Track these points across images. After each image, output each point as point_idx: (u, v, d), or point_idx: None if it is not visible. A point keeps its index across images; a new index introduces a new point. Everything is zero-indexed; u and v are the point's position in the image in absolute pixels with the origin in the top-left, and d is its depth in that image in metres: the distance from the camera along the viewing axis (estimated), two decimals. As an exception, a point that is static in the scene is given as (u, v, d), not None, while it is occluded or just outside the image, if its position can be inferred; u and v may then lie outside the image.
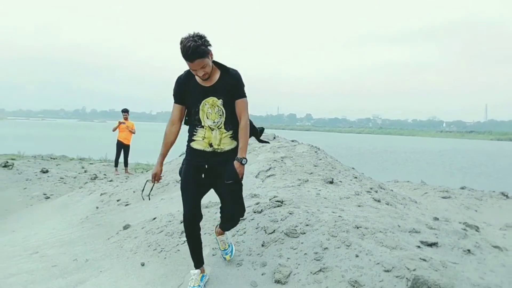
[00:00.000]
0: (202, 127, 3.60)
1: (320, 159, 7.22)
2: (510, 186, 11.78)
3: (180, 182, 3.78)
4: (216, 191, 3.80)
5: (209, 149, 3.61)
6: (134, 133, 14.30)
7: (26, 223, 7.37)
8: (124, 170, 14.32)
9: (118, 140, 14.24)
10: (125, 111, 14.24)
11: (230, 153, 3.65)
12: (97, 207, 7.21)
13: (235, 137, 3.67)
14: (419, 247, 4.25)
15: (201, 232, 3.83)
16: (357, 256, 3.94)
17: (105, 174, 14.08)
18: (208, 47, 3.35)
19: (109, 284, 4.13)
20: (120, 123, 14.12)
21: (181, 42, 3.29)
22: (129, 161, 14.67)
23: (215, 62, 3.54)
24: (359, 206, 5.16)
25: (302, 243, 4.17)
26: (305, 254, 4.03)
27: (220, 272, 4.03)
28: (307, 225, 4.39)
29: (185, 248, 4.50)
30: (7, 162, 13.44)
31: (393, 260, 3.88)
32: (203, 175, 3.69)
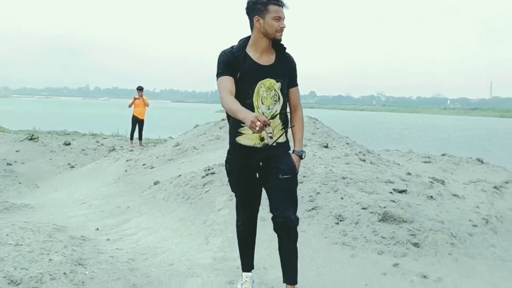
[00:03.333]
0: None
1: (318, 128, 8.37)
2: (489, 154, 12.90)
3: (230, 184, 3.30)
4: (265, 186, 3.15)
5: (260, 144, 3.00)
6: (148, 105, 15.40)
7: (65, 184, 8.59)
8: (139, 143, 15.47)
9: (133, 115, 15.35)
10: (140, 88, 15.31)
11: (283, 147, 3.11)
12: (125, 170, 8.41)
13: (285, 129, 3.11)
14: (391, 193, 5.42)
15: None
16: (342, 198, 5.11)
17: (121, 147, 15.26)
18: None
19: (150, 222, 5.33)
20: (135, 99, 15.21)
21: (248, 3, 2.96)
22: (143, 135, 15.81)
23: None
24: (347, 163, 6.32)
25: (300, 189, 5.33)
26: (302, 197, 5.18)
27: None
28: (304, 176, 5.54)
29: (207, 196, 5.68)
30: (33, 135, 14.64)
31: (369, 201, 5.05)
32: (257, 175, 3.16)
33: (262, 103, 2.98)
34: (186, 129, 13.51)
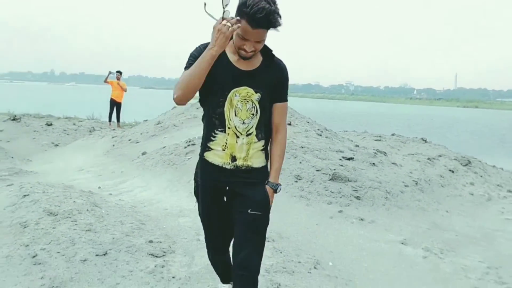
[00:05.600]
0: (223, 130, 2.45)
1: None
2: (444, 140, 14.39)
3: (198, 209, 2.71)
4: (233, 221, 2.60)
5: (229, 165, 2.48)
6: (125, 91, 16.31)
7: (57, 158, 9.53)
8: (117, 124, 16.37)
9: (111, 98, 16.24)
10: (118, 72, 16.21)
11: (258, 173, 2.56)
12: (113, 145, 9.43)
13: (265, 151, 2.58)
14: (340, 159, 6.66)
15: None
16: (300, 162, 6.32)
17: (100, 127, 16.13)
18: (280, 19, 2.30)
19: (142, 182, 6.43)
20: (109, 73, 15.99)
21: (240, 5, 2.29)
22: (120, 117, 16.72)
23: None
24: (306, 137, 7.52)
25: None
26: (268, 162, 6.37)
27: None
28: (270, 146, 6.72)
29: (190, 162, 6.79)
30: (16, 116, 15.36)
31: (322, 164, 6.28)
32: (224, 198, 2.64)
33: (236, 115, 2.42)
34: (159, 113, 14.53)
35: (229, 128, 2.44)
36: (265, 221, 2.56)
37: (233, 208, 2.56)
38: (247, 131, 2.47)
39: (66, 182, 6.45)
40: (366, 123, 30.32)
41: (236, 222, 2.56)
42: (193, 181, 2.70)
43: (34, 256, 3.55)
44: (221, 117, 2.44)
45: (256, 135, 2.49)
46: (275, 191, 2.58)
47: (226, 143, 2.45)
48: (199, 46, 2.47)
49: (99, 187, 6.22)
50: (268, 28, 2.29)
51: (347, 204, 5.72)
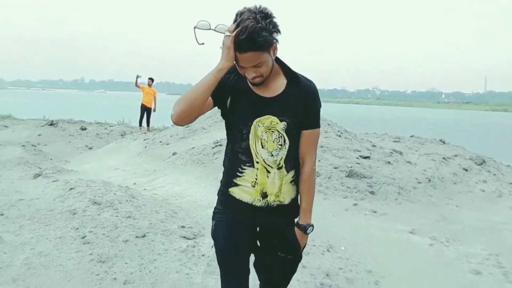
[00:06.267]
0: (252, 165, 2.17)
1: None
2: (466, 142, 14.62)
3: (216, 252, 2.32)
4: (257, 262, 2.40)
5: (260, 202, 2.19)
6: (155, 97, 17.06)
7: (93, 159, 10.23)
8: (147, 129, 17.10)
9: (142, 104, 16.95)
10: (150, 79, 16.96)
11: (290, 210, 2.27)
12: (145, 147, 10.07)
13: (296, 182, 2.27)
14: (357, 158, 7.11)
15: None
16: (319, 160, 6.79)
17: (131, 132, 16.90)
18: (274, 34, 1.99)
19: (173, 179, 7.00)
20: (137, 76, 16.59)
21: (236, 17, 1.97)
22: (150, 122, 17.45)
23: (278, 61, 2.17)
24: (325, 137, 8.00)
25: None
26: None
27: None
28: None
29: (217, 161, 7.34)
30: (53, 121, 16.26)
31: (340, 163, 6.74)
32: (255, 240, 2.31)
33: (263, 147, 2.15)
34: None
35: (257, 162, 2.15)
36: (295, 265, 2.35)
37: (260, 250, 2.30)
38: (278, 164, 2.17)
39: (104, 179, 7.09)
40: (390, 127, 30.49)
41: (266, 267, 2.35)
42: (211, 221, 2.31)
43: (83, 237, 4.13)
44: (247, 151, 2.16)
45: (287, 168, 2.20)
46: (305, 233, 2.27)
47: (256, 179, 2.15)
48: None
49: (134, 183, 6.81)
50: (256, 50, 1.94)
51: (361, 198, 6.17)
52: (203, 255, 4.03)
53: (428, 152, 9.13)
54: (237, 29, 1.92)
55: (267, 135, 2.13)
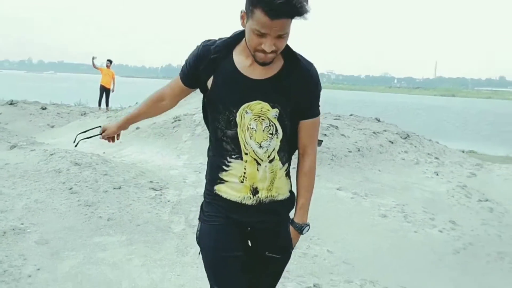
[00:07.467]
0: (239, 157, 1.92)
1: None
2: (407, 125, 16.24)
3: (203, 255, 2.05)
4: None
5: (251, 200, 1.94)
6: (114, 78, 17.74)
7: (59, 135, 10.98)
8: (106, 109, 17.78)
9: (101, 85, 17.62)
10: (109, 60, 17.63)
11: (283, 206, 2.05)
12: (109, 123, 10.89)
13: (289, 175, 2.09)
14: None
15: None
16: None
17: (91, 111, 17.54)
18: (307, 3, 1.69)
19: (138, 149, 7.97)
20: (93, 58, 17.21)
21: None
22: (109, 102, 18.14)
23: None
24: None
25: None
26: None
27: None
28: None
29: (176, 133, 8.33)
30: (13, 100, 16.69)
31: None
32: (246, 241, 2.09)
33: (251, 138, 1.89)
34: (143, 100, 16.00)
35: (246, 154, 1.90)
36: (282, 267, 2.14)
37: (250, 250, 2.07)
38: (269, 156, 1.92)
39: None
40: (343, 110, 32.11)
41: (245, 268, 2.04)
42: (198, 222, 2.09)
43: (70, 189, 5.09)
44: (235, 141, 1.90)
45: (281, 160, 1.97)
46: (301, 233, 2.07)
47: (244, 173, 1.92)
48: (203, 45, 1.94)
49: (104, 152, 7.73)
50: (292, 17, 1.70)
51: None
52: (168, 201, 5.10)
53: (363, 127, 10.44)
54: None
55: (256, 123, 1.87)
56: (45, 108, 16.47)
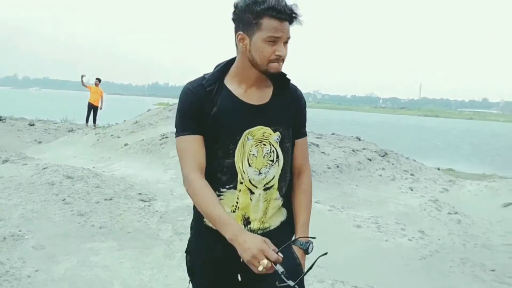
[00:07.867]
0: (233, 187, 1.85)
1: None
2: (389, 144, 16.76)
3: None
4: None
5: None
6: (102, 96, 18.06)
7: (48, 150, 11.26)
8: (93, 126, 18.07)
9: (89, 102, 17.96)
10: (98, 79, 18.01)
11: (279, 233, 1.92)
12: (97, 139, 11.22)
13: (286, 204, 1.97)
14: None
15: None
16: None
17: (78, 128, 17.80)
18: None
19: (128, 164, 8.31)
20: (82, 76, 17.64)
21: (246, 5, 1.74)
22: (97, 119, 18.44)
23: None
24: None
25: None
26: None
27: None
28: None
29: (164, 150, 8.69)
30: (1, 116, 16.90)
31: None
32: (238, 276, 1.94)
33: (250, 165, 1.83)
34: (128, 117, 16.36)
35: (241, 183, 1.84)
36: None
37: (257, 284, 1.81)
38: (266, 183, 1.85)
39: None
40: (326, 129, 32.76)
41: None
42: (185, 255, 2.02)
43: (63, 200, 5.42)
44: (231, 171, 1.83)
45: (279, 189, 1.89)
46: (306, 252, 1.89)
47: (237, 202, 1.85)
48: (188, 90, 1.85)
49: (94, 167, 8.06)
50: (292, 21, 1.76)
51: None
52: (156, 211, 5.45)
53: (343, 145, 10.91)
54: None
55: (257, 149, 1.82)
56: (33, 125, 16.70)
